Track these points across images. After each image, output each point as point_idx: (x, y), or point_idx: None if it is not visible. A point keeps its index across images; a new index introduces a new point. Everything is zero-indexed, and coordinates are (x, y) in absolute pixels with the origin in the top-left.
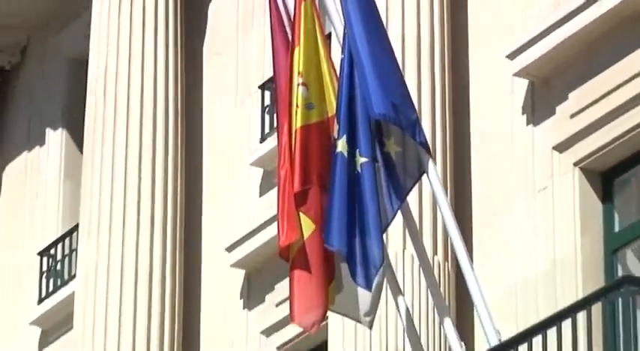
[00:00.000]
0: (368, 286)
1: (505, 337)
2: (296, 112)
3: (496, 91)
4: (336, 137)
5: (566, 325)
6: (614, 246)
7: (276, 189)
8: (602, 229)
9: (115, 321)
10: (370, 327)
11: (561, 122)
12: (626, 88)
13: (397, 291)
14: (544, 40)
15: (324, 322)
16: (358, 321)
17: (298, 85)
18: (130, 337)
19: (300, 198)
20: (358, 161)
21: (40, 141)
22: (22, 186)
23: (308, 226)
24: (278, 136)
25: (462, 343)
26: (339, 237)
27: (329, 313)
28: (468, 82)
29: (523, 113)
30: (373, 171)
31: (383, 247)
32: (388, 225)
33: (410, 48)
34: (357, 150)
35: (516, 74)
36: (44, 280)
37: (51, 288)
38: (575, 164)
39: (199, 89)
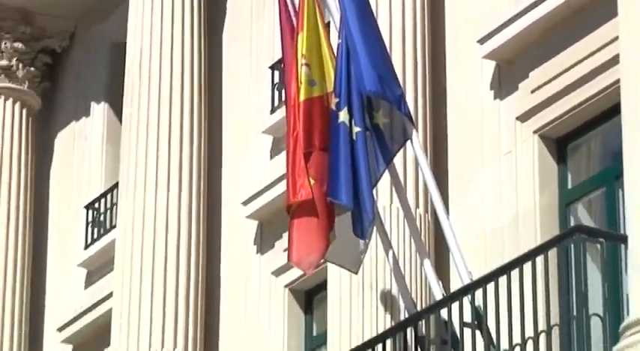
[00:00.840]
0: (363, 236)
1: (476, 276)
2: (300, 87)
3: (468, 70)
4: (335, 109)
5: (527, 267)
6: (567, 200)
7: (283, 153)
8: (557, 186)
9: (149, 262)
10: (356, 272)
11: (523, 97)
12: (576, 68)
13: (385, 239)
14: (508, 28)
15: (324, 265)
16: (345, 268)
17: (302, 65)
18: (161, 276)
19: (304, 155)
20: (354, 130)
21: (86, 112)
22: (71, 150)
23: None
24: (286, 108)
25: (440, 282)
26: (346, 193)
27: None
28: (444, 64)
29: (491, 89)
30: (365, 138)
31: (373, 202)
32: (377, 182)
33: (396, 35)
34: (353, 120)
35: (485, 57)
36: (90, 229)
37: (95, 236)
38: (535, 132)
39: (219, 69)
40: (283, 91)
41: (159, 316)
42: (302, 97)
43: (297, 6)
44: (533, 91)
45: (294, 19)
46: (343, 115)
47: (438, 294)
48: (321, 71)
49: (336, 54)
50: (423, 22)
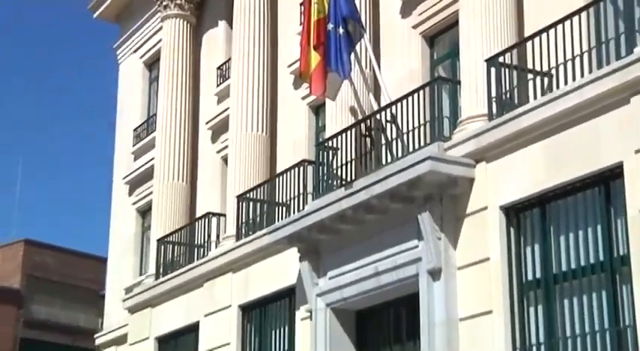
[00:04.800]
0: (345, 78)
1: (393, 99)
2: (313, 13)
3: (392, 6)
4: (328, 22)
5: (416, 96)
6: (435, 65)
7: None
8: (429, 58)
9: (246, 92)
10: (334, 99)
11: (415, 17)
12: (438, 4)
13: (351, 82)
14: None
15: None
16: (329, 98)
17: (314, 3)
18: (251, 98)
19: (314, 46)
20: (340, 31)
21: (216, 24)
22: (210, 44)
23: (316, 58)
24: (303, 25)
25: (376, 101)
26: (334, 63)
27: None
28: (379, 3)
29: (399, 13)
30: (346, 36)
31: (350, 63)
32: (350, 54)
33: None
34: (340, 26)
35: None
36: (218, 79)
37: (221, 81)
38: (420, 34)
39: (276, 6)
40: (303, 18)
41: (250, 114)
42: (314, 18)
43: None
44: (419, 14)
45: None
46: (331, 26)
47: (375, 107)
48: (322, 5)
49: None
50: None
